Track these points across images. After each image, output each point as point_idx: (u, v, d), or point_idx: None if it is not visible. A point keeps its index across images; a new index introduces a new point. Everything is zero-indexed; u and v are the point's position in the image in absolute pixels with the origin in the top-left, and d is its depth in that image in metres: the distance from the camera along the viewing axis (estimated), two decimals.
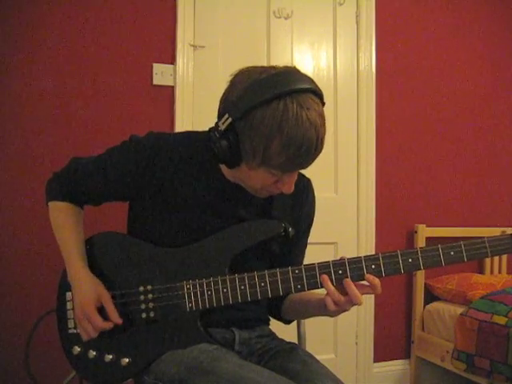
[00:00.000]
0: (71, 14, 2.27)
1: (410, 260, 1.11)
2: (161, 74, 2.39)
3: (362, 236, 2.74)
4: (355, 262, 1.11)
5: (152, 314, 1.18)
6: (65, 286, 1.26)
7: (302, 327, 1.55)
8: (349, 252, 2.48)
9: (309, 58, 2.70)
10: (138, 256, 1.22)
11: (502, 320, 2.15)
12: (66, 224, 1.28)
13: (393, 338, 2.82)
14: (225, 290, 1.15)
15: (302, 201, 1.32)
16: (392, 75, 2.82)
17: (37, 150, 2.21)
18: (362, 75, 2.75)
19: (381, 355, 2.79)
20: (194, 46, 2.45)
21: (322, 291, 1.14)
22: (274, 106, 1.01)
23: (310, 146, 1.03)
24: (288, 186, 1.13)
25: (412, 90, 2.87)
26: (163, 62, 2.40)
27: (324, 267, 1.12)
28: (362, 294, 1.10)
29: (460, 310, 2.42)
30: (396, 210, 2.82)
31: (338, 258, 1.14)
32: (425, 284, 2.77)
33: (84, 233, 1.30)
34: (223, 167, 1.19)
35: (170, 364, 1.12)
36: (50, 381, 1.72)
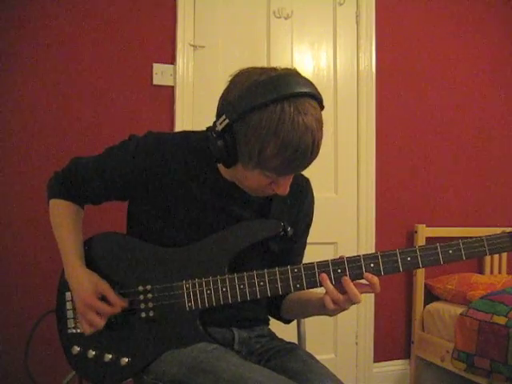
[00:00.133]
0: (71, 14, 2.27)
1: (409, 258, 1.11)
2: (161, 74, 2.39)
3: (361, 236, 2.74)
4: (354, 260, 1.12)
5: (151, 314, 1.19)
6: (64, 285, 1.26)
7: (302, 327, 1.55)
8: (349, 252, 2.47)
9: (309, 58, 2.70)
10: (137, 256, 1.22)
11: (501, 320, 2.15)
12: (64, 223, 1.28)
13: (393, 338, 2.82)
14: (224, 290, 1.15)
15: (301, 200, 1.32)
16: (392, 75, 2.82)
17: (37, 150, 2.22)
18: (361, 75, 2.75)
19: (381, 355, 2.79)
20: (194, 46, 2.45)
21: (321, 290, 1.14)
22: (271, 110, 1.00)
23: (305, 151, 1.03)
24: (283, 188, 1.13)
25: (412, 89, 2.87)
26: (163, 62, 2.40)
27: (323, 266, 1.12)
28: (361, 292, 1.10)
29: (460, 310, 2.42)
30: (396, 210, 2.82)
31: (338, 257, 1.14)
32: (425, 284, 2.77)
33: (84, 233, 1.31)
34: (221, 167, 1.19)
35: (169, 364, 1.12)
36: (49, 381, 1.72)
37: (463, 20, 3.00)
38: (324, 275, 1.11)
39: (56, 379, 1.54)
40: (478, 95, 3.02)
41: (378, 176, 2.77)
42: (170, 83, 2.41)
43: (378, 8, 2.78)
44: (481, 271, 2.94)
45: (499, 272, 2.94)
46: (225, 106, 1.07)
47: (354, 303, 1.10)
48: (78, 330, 1.24)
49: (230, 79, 1.10)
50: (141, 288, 1.20)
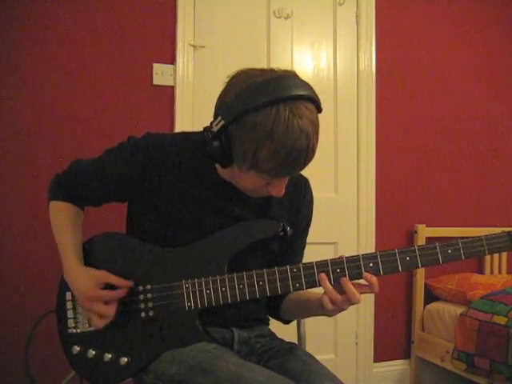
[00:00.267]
0: (71, 14, 2.27)
1: (408, 258, 1.11)
2: (161, 73, 2.39)
3: (361, 236, 2.74)
4: (353, 260, 1.12)
5: (151, 314, 1.19)
6: (64, 285, 1.26)
7: (302, 327, 1.55)
8: (349, 252, 2.47)
9: (309, 58, 2.70)
10: (137, 256, 1.22)
11: (502, 320, 2.14)
12: (64, 224, 1.28)
13: (393, 338, 2.82)
14: (223, 289, 1.15)
15: (300, 201, 1.32)
16: (392, 75, 2.82)
17: (37, 150, 2.22)
18: (361, 75, 2.75)
19: (381, 355, 2.79)
20: (194, 46, 2.45)
21: (320, 290, 1.14)
22: (266, 112, 1.00)
23: (299, 154, 1.03)
24: (278, 190, 1.13)
25: (412, 89, 2.87)
26: (163, 62, 2.40)
27: (322, 266, 1.12)
28: (361, 293, 1.10)
29: (460, 310, 2.42)
30: (396, 210, 2.82)
31: (337, 257, 1.14)
32: (425, 284, 2.77)
33: (84, 233, 1.31)
34: (219, 167, 1.19)
35: (169, 363, 1.13)
36: (49, 381, 1.72)
37: (463, 20, 3.00)
38: (323, 275, 1.11)
39: (56, 379, 1.54)
40: (477, 95, 3.02)
41: (378, 176, 2.77)
42: (170, 83, 2.41)
43: (377, 8, 2.78)
44: (481, 271, 2.94)
45: (499, 272, 2.94)
46: (221, 106, 1.07)
47: (353, 303, 1.10)
48: (78, 330, 1.24)
49: (227, 80, 1.10)
50: (140, 288, 1.20)
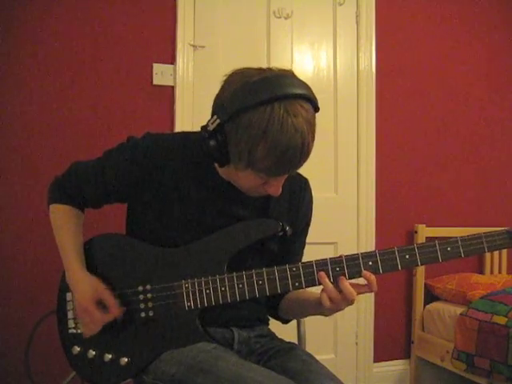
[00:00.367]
0: (71, 14, 2.27)
1: (407, 256, 1.11)
2: (161, 74, 2.40)
3: (361, 236, 2.74)
4: (352, 258, 1.12)
5: (151, 314, 1.19)
6: (65, 286, 1.27)
7: (301, 327, 1.55)
8: (348, 252, 2.48)
9: (309, 58, 2.70)
10: (137, 256, 1.23)
11: (501, 320, 2.14)
12: (64, 226, 1.29)
13: (393, 338, 2.82)
14: (223, 289, 1.15)
15: (299, 200, 1.32)
16: (392, 75, 2.82)
17: (37, 150, 2.22)
18: (361, 75, 2.75)
19: (381, 355, 2.79)
20: (194, 46, 2.45)
21: (317, 290, 1.14)
22: (261, 111, 1.00)
23: (294, 153, 1.03)
24: (275, 189, 1.13)
25: (412, 89, 2.87)
26: (163, 62, 2.40)
27: (321, 265, 1.13)
28: (359, 293, 1.10)
29: (460, 310, 2.42)
30: (396, 210, 2.82)
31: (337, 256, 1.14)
32: (425, 284, 2.77)
33: (84, 234, 1.31)
34: (217, 166, 1.19)
35: (169, 363, 1.12)
36: (49, 382, 1.72)
37: (463, 20, 3.00)
38: (322, 273, 1.11)
39: (56, 380, 1.54)
40: (477, 95, 3.02)
41: (378, 176, 2.77)
42: (170, 83, 2.41)
43: (377, 8, 2.78)
44: (481, 271, 2.94)
45: (499, 272, 2.94)
46: (217, 106, 1.08)
47: (349, 303, 1.10)
48: (79, 331, 1.24)
49: (224, 79, 1.10)
50: (140, 288, 1.20)
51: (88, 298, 1.18)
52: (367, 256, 1.12)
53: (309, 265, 1.13)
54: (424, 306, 2.75)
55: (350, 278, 1.11)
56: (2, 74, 2.19)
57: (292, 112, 1.01)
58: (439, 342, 2.56)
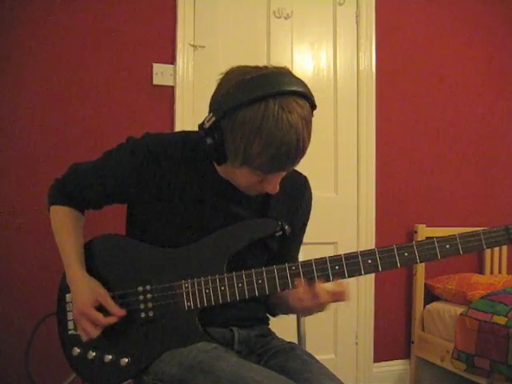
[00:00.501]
0: (71, 14, 2.27)
1: (406, 254, 1.12)
2: (161, 74, 2.39)
3: (361, 236, 2.74)
4: (352, 257, 1.12)
5: (151, 314, 1.19)
6: (65, 288, 1.27)
7: (302, 327, 1.55)
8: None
9: (309, 58, 2.70)
10: (136, 257, 1.23)
11: (501, 320, 2.15)
12: (65, 228, 1.29)
13: (393, 338, 2.82)
14: (222, 288, 1.15)
15: (299, 199, 1.32)
16: (392, 75, 2.82)
17: (38, 150, 2.21)
18: (361, 75, 2.75)
19: (381, 355, 2.79)
20: (194, 46, 2.45)
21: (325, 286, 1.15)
22: (255, 107, 1.00)
23: (289, 149, 1.02)
24: (272, 186, 1.13)
25: (412, 89, 2.87)
26: (163, 62, 2.40)
27: (321, 263, 1.13)
28: (331, 300, 1.11)
29: (460, 310, 2.42)
30: (396, 210, 2.82)
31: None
32: (425, 284, 2.77)
33: (84, 235, 1.31)
34: (215, 165, 1.19)
35: (169, 364, 1.12)
36: (49, 383, 1.72)
37: (463, 20, 3.00)
38: (300, 282, 1.11)
39: (56, 381, 1.54)
40: (477, 95, 3.02)
41: (378, 176, 2.77)
42: (170, 83, 2.41)
43: (377, 8, 2.78)
44: (481, 271, 2.94)
45: (499, 272, 2.94)
46: (213, 103, 1.08)
47: (319, 307, 1.13)
48: (79, 332, 1.24)
49: (220, 77, 1.10)
50: (140, 288, 1.20)
51: (87, 302, 1.18)
52: (366, 254, 1.12)
53: (308, 263, 1.14)
54: (424, 305, 2.75)
55: (349, 277, 1.12)
56: (2, 74, 2.18)
57: (287, 108, 1.01)
58: (439, 342, 2.56)
